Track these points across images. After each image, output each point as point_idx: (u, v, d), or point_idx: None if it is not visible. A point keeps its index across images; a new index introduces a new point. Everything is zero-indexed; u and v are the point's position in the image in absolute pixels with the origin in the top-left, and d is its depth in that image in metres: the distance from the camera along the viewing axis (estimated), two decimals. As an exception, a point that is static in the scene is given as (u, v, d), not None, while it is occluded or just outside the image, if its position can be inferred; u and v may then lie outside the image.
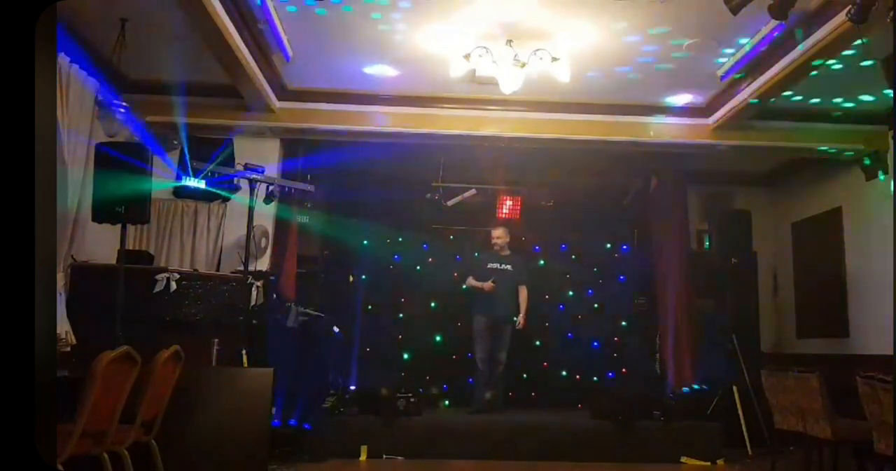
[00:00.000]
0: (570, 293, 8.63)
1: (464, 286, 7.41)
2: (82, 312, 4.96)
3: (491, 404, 6.98)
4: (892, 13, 3.77)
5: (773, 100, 6.03)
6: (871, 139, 6.74)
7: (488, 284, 7.11)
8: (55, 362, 2.90)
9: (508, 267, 7.29)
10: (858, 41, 4.88)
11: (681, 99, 6.47)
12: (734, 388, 6.77)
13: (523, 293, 7.25)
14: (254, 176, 5.61)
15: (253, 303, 5.92)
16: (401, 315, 8.38)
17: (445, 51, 5.39)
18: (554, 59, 5.04)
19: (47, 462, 1.95)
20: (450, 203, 7.99)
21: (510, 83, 5.16)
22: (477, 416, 6.83)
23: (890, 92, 5.90)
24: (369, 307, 8.32)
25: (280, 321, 6.33)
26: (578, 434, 6.42)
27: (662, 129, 6.78)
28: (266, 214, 6.67)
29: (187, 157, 6.58)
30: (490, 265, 7.30)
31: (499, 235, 7.38)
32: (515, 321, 7.15)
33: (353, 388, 7.32)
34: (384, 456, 6.11)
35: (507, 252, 7.41)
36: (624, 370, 8.33)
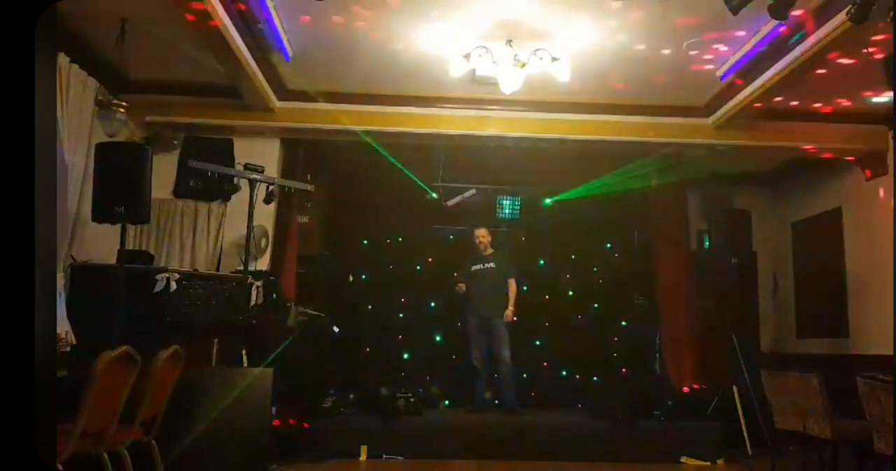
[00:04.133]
0: (570, 293, 8.63)
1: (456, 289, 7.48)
2: (82, 312, 4.95)
3: (490, 403, 6.99)
4: (892, 13, 3.77)
5: (773, 100, 6.03)
6: (871, 139, 6.74)
7: (460, 287, 7.26)
8: (55, 362, 2.90)
9: (492, 264, 7.35)
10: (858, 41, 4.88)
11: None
12: (734, 388, 6.77)
13: (511, 286, 7.27)
14: (254, 176, 5.61)
15: (253, 303, 5.92)
16: (401, 315, 8.37)
17: (445, 51, 5.39)
18: (554, 59, 5.04)
19: (47, 462, 1.95)
20: (450, 203, 8.00)
21: (510, 83, 5.16)
22: (477, 416, 6.82)
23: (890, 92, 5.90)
24: (369, 307, 8.32)
25: (280, 321, 6.32)
26: (578, 434, 6.42)
27: (662, 129, 6.78)
28: (266, 214, 6.67)
29: (187, 157, 6.58)
30: (474, 268, 7.38)
31: (482, 234, 7.47)
32: (504, 315, 7.10)
33: (353, 388, 7.32)
34: (384, 456, 6.11)
35: (490, 251, 7.46)
36: (624, 370, 8.33)
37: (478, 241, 7.45)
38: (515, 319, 7.19)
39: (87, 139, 5.44)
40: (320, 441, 6.02)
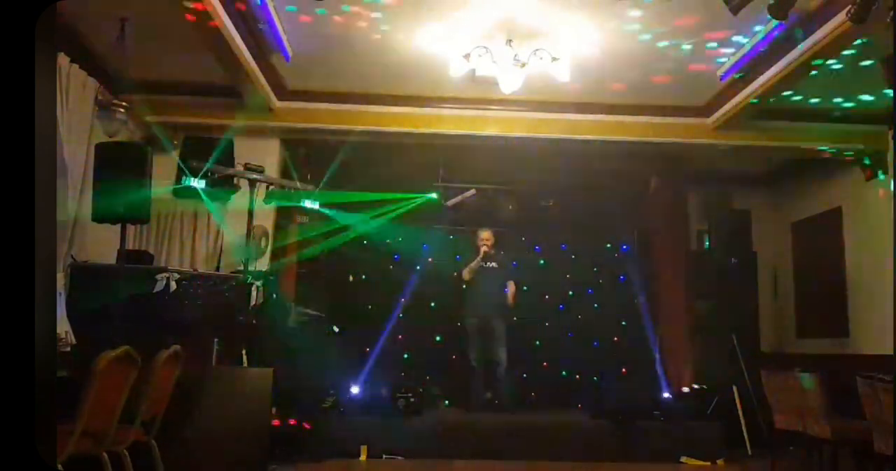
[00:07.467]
0: (570, 293, 8.63)
1: (464, 285, 7.50)
2: (82, 312, 4.95)
3: (491, 403, 6.99)
4: (892, 13, 3.77)
5: (772, 100, 6.03)
6: (871, 139, 6.73)
7: (476, 261, 7.31)
8: (55, 361, 2.89)
9: (494, 264, 7.42)
10: (858, 41, 4.88)
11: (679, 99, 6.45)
12: (734, 388, 6.76)
13: (511, 287, 7.38)
14: (254, 176, 5.61)
15: (253, 303, 5.92)
16: (401, 315, 8.37)
17: (445, 51, 5.39)
18: (554, 58, 5.04)
19: (47, 462, 1.95)
20: (450, 203, 8.00)
21: (510, 83, 5.16)
22: (477, 416, 6.82)
23: (890, 92, 5.90)
24: (369, 307, 8.31)
25: (280, 321, 6.32)
26: (578, 434, 6.42)
27: (662, 129, 6.78)
28: (266, 214, 6.66)
29: (187, 157, 6.57)
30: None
31: (487, 236, 7.47)
32: (507, 316, 7.25)
33: (353, 388, 7.31)
34: (384, 456, 6.11)
35: (493, 251, 7.49)
36: (624, 370, 8.33)
37: (481, 243, 7.45)
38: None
39: (87, 139, 5.44)
40: (320, 441, 6.02)
